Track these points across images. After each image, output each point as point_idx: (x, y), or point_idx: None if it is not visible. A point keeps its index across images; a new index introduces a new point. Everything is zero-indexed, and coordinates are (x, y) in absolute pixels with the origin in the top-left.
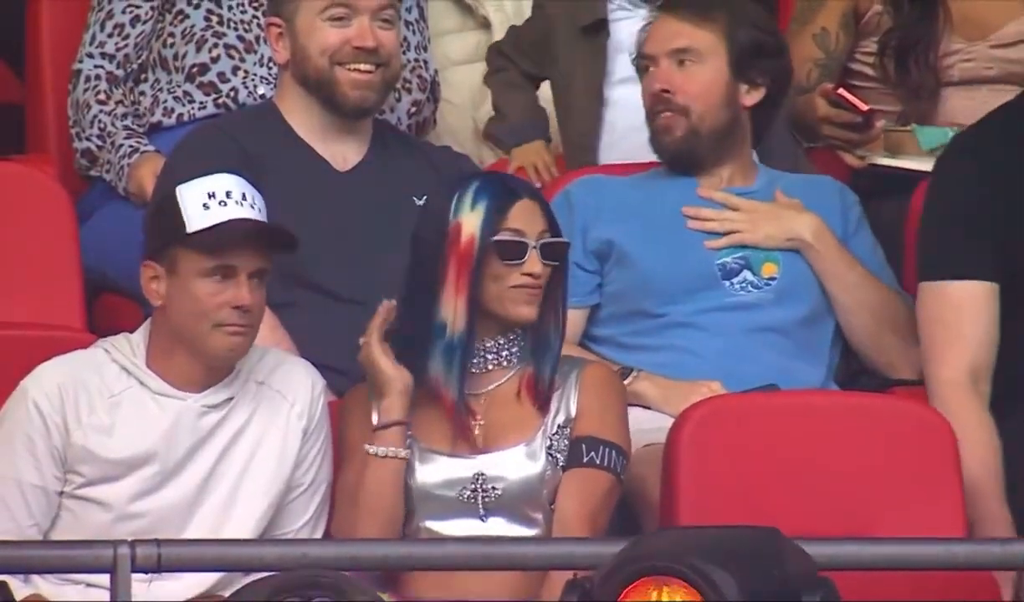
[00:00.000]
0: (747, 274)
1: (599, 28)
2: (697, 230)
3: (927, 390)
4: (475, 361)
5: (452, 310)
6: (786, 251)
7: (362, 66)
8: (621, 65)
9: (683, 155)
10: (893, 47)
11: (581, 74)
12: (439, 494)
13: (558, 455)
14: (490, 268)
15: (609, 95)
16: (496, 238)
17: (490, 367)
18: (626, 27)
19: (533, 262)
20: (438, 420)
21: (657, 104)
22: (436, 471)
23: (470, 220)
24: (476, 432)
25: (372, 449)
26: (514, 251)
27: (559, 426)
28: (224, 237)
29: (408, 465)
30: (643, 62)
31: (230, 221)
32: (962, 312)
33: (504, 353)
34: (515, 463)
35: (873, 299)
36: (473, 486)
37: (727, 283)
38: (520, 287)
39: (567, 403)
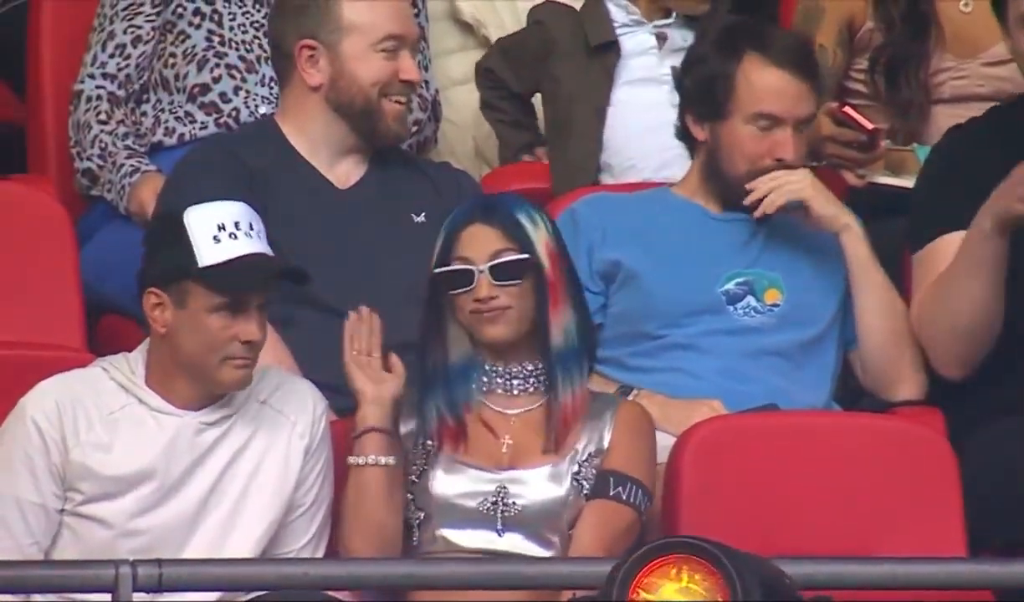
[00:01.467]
0: (750, 299)
1: (610, 48)
2: (753, 201)
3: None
4: (500, 381)
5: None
6: (789, 277)
7: (403, 98)
8: (626, 70)
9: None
10: (884, 64)
11: (585, 95)
12: (459, 503)
13: (584, 482)
14: (448, 298)
15: (614, 97)
16: (438, 270)
17: (516, 392)
18: (629, 39)
19: (481, 286)
20: (471, 433)
21: (773, 169)
22: (460, 481)
23: (435, 252)
24: (503, 451)
25: (351, 459)
26: (459, 280)
27: (590, 454)
28: (241, 276)
29: (434, 472)
30: (764, 121)
31: (244, 257)
32: (949, 260)
33: (531, 380)
34: (540, 483)
35: (893, 307)
36: (495, 499)
37: (731, 308)
38: (475, 312)
39: (600, 435)
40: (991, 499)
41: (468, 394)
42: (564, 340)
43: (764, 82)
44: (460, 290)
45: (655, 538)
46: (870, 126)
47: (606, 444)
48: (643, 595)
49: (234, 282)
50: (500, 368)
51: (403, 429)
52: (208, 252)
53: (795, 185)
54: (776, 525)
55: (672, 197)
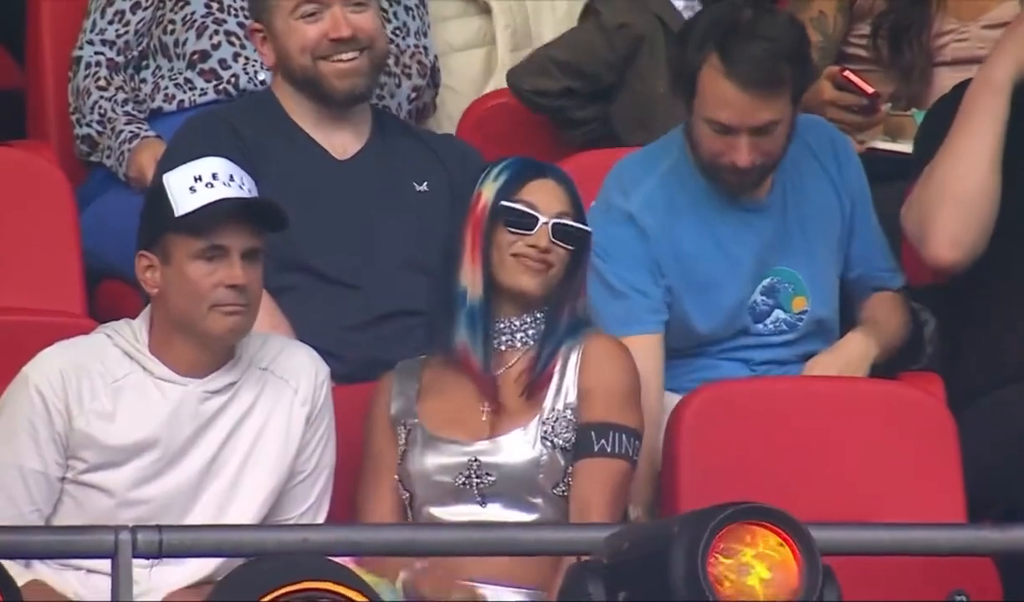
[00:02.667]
0: (778, 313)
1: None
2: None
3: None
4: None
5: (471, 277)
6: (808, 266)
7: (344, 55)
8: None
9: (746, 192)
10: (887, 29)
11: (668, 96)
12: (438, 480)
13: (555, 439)
14: (497, 235)
15: None
16: (506, 203)
17: (503, 347)
18: None
19: (541, 236)
20: (446, 405)
21: (735, 172)
22: (436, 457)
23: (489, 190)
24: (484, 419)
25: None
26: (522, 220)
27: (559, 410)
28: (211, 216)
29: (413, 451)
30: (716, 126)
31: (218, 201)
32: None
33: (519, 335)
34: (511, 449)
35: (895, 341)
36: (467, 472)
37: (760, 326)
38: (521, 255)
39: (567, 384)
40: (989, 468)
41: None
42: (576, 317)
43: (717, 92)
44: (519, 231)
45: (655, 502)
46: (870, 90)
47: (576, 392)
48: (723, 561)
49: (207, 223)
50: (496, 324)
51: (393, 409)
52: (184, 202)
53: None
54: (775, 491)
55: (710, 195)
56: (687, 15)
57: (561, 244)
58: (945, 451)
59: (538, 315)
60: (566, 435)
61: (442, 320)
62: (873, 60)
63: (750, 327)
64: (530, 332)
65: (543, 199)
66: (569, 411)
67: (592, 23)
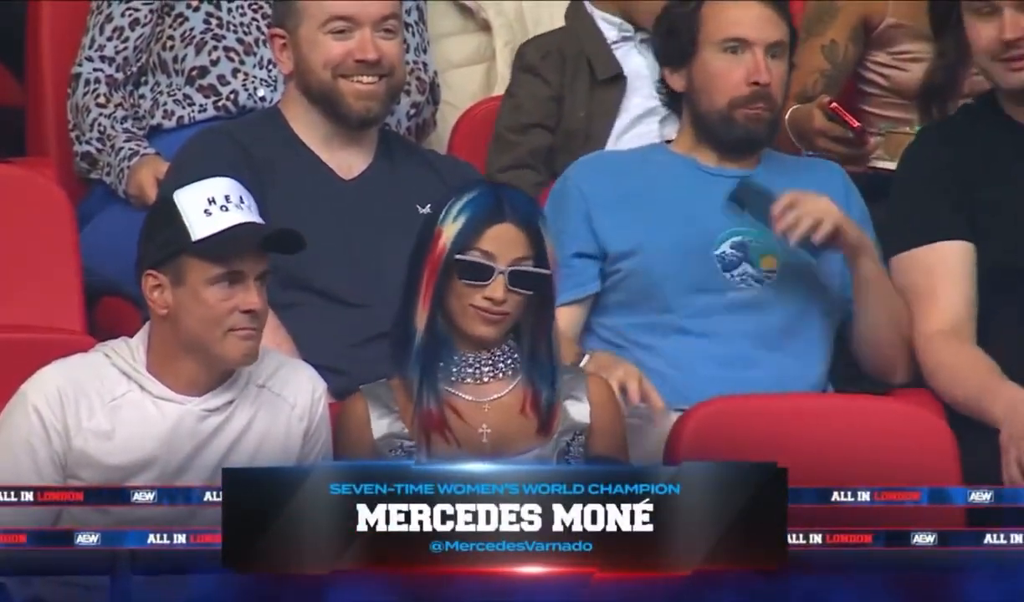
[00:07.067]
0: (746, 267)
1: (617, 80)
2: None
3: (915, 348)
4: (470, 371)
5: (421, 318)
6: (785, 248)
7: (365, 78)
8: (634, 104)
9: (755, 145)
10: (935, 90)
11: (586, 125)
12: None
13: (572, 462)
14: (454, 284)
15: (623, 134)
16: (460, 257)
17: (486, 379)
18: (629, 60)
19: (496, 287)
20: (449, 424)
21: (755, 96)
22: None
23: (448, 232)
24: (484, 440)
25: None
26: (477, 273)
27: (574, 435)
28: (235, 244)
29: None
30: (732, 44)
31: (238, 226)
32: (933, 274)
33: (500, 365)
34: None
35: (899, 313)
36: None
37: (727, 275)
38: (479, 308)
39: (577, 412)
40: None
41: (443, 376)
42: (551, 349)
43: (728, 11)
44: (474, 283)
45: None
46: (856, 124)
47: (586, 420)
48: None
49: (228, 250)
50: (470, 356)
51: (376, 433)
52: (201, 226)
53: (821, 212)
54: None
55: (666, 154)
56: (618, 47)
57: (518, 291)
58: (946, 468)
59: (510, 343)
60: (581, 459)
61: (399, 348)
62: (890, 89)
63: (718, 276)
64: (508, 361)
65: (500, 247)
66: (583, 436)
67: (518, 70)
